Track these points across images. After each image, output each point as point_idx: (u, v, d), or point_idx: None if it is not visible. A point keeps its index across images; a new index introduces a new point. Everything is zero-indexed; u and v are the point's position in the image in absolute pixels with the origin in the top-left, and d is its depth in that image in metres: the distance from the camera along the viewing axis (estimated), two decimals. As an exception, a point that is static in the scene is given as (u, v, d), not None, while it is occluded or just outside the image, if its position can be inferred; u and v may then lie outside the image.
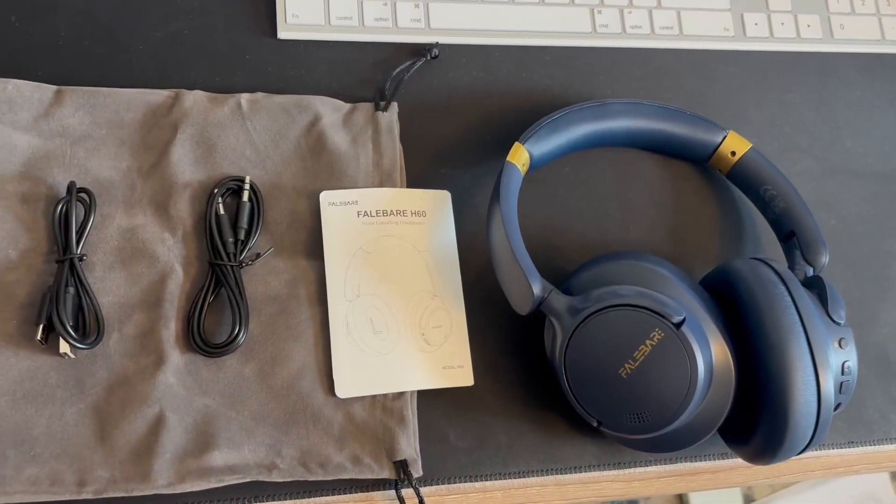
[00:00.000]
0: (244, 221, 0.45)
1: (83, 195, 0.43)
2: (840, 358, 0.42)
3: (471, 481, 0.44)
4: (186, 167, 0.46)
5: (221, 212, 0.45)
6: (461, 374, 0.45)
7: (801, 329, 0.40)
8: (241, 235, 0.45)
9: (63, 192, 0.44)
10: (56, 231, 0.42)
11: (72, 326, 0.40)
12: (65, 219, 0.42)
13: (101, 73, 0.48)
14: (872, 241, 0.55)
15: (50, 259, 0.43)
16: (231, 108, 0.47)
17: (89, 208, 0.43)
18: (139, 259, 0.44)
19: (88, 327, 0.42)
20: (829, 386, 0.40)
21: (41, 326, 0.40)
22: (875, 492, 1.43)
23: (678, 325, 0.39)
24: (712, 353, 0.40)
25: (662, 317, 0.39)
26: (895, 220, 0.55)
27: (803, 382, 0.39)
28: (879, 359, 0.52)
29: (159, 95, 0.47)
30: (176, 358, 0.42)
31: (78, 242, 0.42)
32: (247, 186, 0.46)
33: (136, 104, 0.47)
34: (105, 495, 0.40)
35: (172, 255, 0.44)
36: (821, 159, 0.56)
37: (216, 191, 0.45)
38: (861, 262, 0.54)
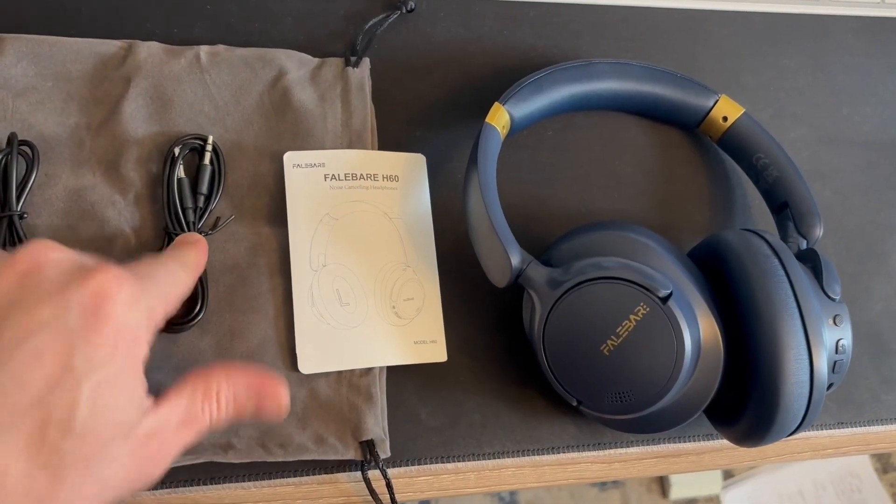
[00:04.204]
0: (204, 187, 0.42)
1: (25, 148, 0.40)
2: (834, 336, 0.39)
3: (443, 462, 0.42)
4: (140, 124, 0.42)
5: (182, 175, 0.42)
6: (434, 349, 0.43)
7: (794, 304, 0.38)
8: (201, 203, 0.42)
9: (3, 147, 0.40)
10: None
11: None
12: (4, 173, 0.39)
13: (47, 21, 0.44)
14: (868, 213, 0.52)
15: (-13, 221, 0.39)
16: (189, 60, 0.44)
17: (32, 163, 0.40)
18: (87, 222, 0.40)
19: (29, 295, 0.38)
20: (822, 365, 0.37)
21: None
22: (854, 468, 1.43)
23: (664, 300, 0.36)
24: (700, 329, 0.38)
25: (648, 290, 0.36)
26: (892, 192, 0.53)
27: (796, 361, 0.37)
28: (871, 337, 0.50)
29: (111, 46, 0.44)
30: (125, 330, 0.39)
31: (18, 199, 0.39)
32: (209, 147, 0.42)
33: (86, 55, 0.43)
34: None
35: (123, 218, 0.41)
36: (816, 127, 0.54)
37: (176, 151, 0.42)
38: (855, 235, 0.52)
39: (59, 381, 0.27)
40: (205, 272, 0.40)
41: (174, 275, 0.34)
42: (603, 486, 1.36)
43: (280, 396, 0.34)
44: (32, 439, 0.26)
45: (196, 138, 0.42)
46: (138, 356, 0.30)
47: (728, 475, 1.40)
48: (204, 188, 0.42)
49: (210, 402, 0.32)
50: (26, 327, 0.28)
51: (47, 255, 0.30)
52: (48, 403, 0.27)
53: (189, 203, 0.41)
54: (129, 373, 0.29)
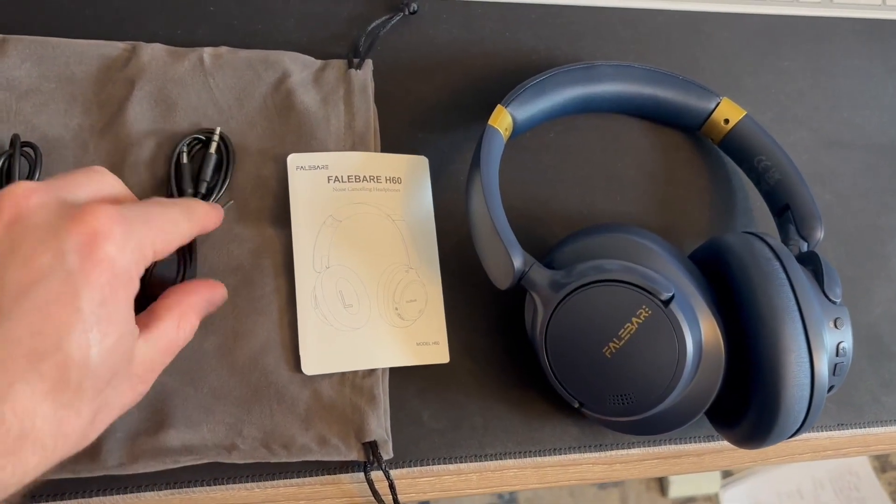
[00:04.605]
0: (207, 174, 0.42)
1: (28, 150, 0.40)
2: (835, 339, 0.39)
3: (445, 463, 0.42)
4: (143, 126, 0.43)
5: (185, 161, 0.42)
6: (436, 350, 0.43)
7: (795, 308, 0.38)
8: (203, 189, 0.42)
9: (6, 148, 0.40)
10: None
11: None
12: (7, 174, 0.39)
13: (51, 22, 0.44)
14: (868, 216, 0.52)
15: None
16: (192, 63, 0.44)
17: (35, 164, 0.40)
18: (91, 224, 0.40)
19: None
20: (823, 368, 0.37)
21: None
22: (852, 467, 1.44)
23: (666, 303, 0.36)
24: (701, 332, 0.38)
25: (650, 293, 0.37)
26: (892, 195, 0.53)
27: (797, 364, 0.37)
28: (871, 339, 0.50)
29: (115, 48, 0.44)
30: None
31: (21, 202, 0.39)
32: (216, 138, 0.42)
33: (90, 57, 0.43)
34: (50, 476, 0.37)
35: (127, 220, 0.41)
36: (817, 130, 0.54)
37: (182, 140, 0.42)
38: (855, 238, 0.52)
39: (72, 326, 0.28)
40: (195, 257, 0.41)
41: (172, 220, 0.34)
42: (602, 483, 1.36)
43: (223, 297, 0.38)
44: (56, 383, 0.27)
45: (204, 131, 0.43)
46: (131, 293, 0.31)
47: (727, 473, 1.40)
48: (207, 176, 0.42)
49: (184, 328, 0.35)
50: (29, 277, 0.28)
51: (29, 201, 0.30)
52: (66, 348, 0.28)
53: (188, 188, 0.41)
54: (125, 309, 0.30)
